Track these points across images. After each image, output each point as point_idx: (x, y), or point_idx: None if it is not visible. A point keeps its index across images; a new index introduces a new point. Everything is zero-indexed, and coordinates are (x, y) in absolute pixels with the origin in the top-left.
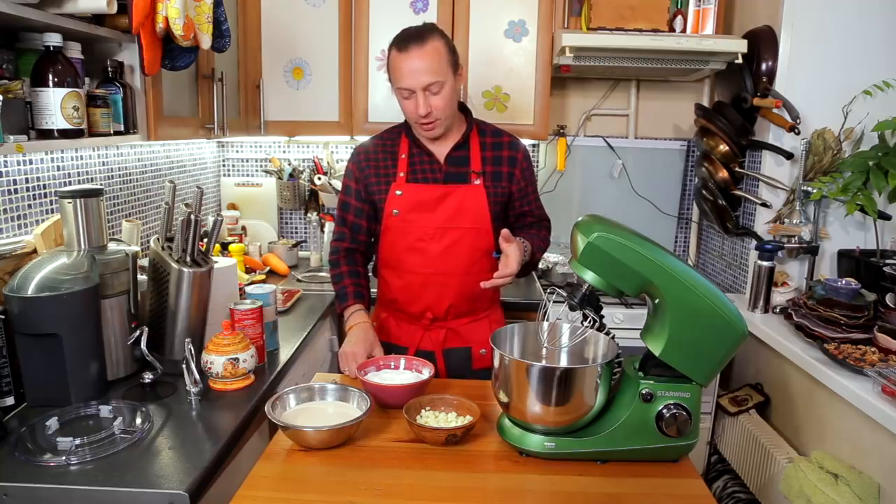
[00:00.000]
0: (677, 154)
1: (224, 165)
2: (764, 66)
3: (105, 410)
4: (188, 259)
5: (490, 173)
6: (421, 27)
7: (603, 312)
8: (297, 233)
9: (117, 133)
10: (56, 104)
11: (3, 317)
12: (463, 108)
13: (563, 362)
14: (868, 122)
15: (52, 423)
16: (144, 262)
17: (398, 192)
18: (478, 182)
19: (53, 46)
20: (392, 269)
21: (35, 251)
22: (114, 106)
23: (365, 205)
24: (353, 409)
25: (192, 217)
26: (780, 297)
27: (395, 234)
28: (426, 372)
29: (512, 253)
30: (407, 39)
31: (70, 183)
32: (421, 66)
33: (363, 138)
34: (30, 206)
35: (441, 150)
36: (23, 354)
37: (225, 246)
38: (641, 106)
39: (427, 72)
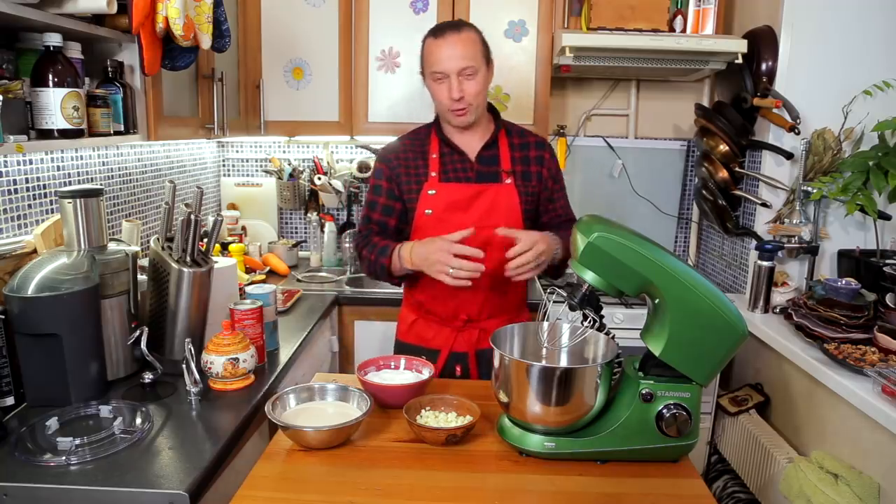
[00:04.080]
0: (677, 154)
1: (224, 165)
2: (764, 66)
3: (105, 410)
4: (188, 259)
5: (519, 172)
6: (457, 20)
7: (603, 312)
8: (297, 233)
9: (117, 133)
10: (56, 104)
11: (3, 317)
12: (491, 109)
13: (563, 362)
14: (868, 122)
15: (52, 423)
16: (144, 262)
17: (431, 192)
18: (509, 181)
19: (53, 46)
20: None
21: (35, 251)
22: (114, 106)
23: (396, 203)
24: (353, 409)
25: (192, 217)
26: (780, 297)
27: (427, 234)
28: (426, 372)
29: (522, 234)
30: (444, 27)
31: (70, 183)
32: (456, 51)
33: (363, 138)
34: (30, 206)
35: (472, 149)
36: (23, 354)
37: (225, 246)
38: (641, 106)
39: (462, 57)
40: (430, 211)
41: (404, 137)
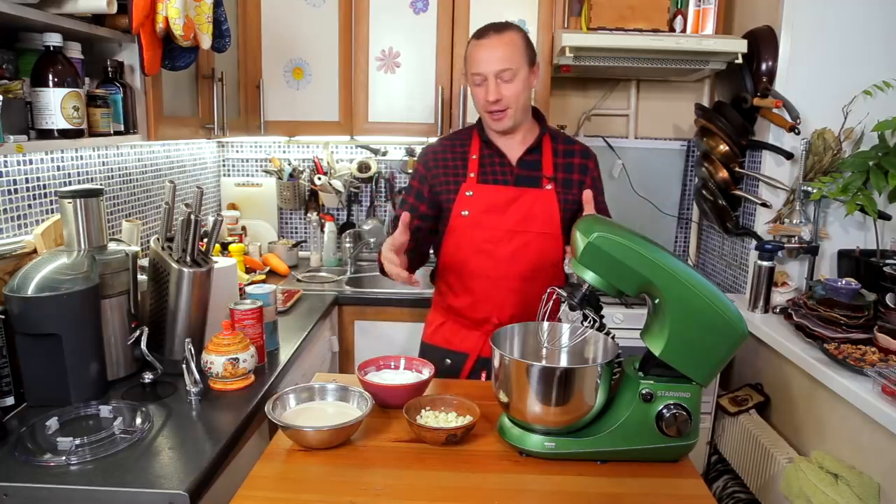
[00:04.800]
0: (677, 154)
1: (224, 165)
2: (764, 66)
3: (105, 410)
4: (188, 259)
5: (561, 180)
6: (502, 22)
7: (603, 312)
8: (297, 233)
9: (117, 133)
10: (56, 104)
11: (3, 317)
12: (537, 114)
13: (563, 362)
14: (868, 122)
15: (52, 423)
16: (144, 262)
17: (468, 193)
18: (549, 187)
19: (53, 46)
20: (456, 272)
21: (35, 251)
22: (114, 106)
23: (422, 205)
24: (353, 409)
25: (192, 217)
26: (780, 297)
27: (462, 235)
28: (426, 372)
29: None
30: (486, 29)
31: (70, 183)
32: (495, 53)
33: (363, 138)
34: (30, 206)
35: (514, 153)
36: (23, 354)
37: (225, 246)
38: (641, 106)
39: (500, 59)
40: (467, 212)
41: (445, 138)
